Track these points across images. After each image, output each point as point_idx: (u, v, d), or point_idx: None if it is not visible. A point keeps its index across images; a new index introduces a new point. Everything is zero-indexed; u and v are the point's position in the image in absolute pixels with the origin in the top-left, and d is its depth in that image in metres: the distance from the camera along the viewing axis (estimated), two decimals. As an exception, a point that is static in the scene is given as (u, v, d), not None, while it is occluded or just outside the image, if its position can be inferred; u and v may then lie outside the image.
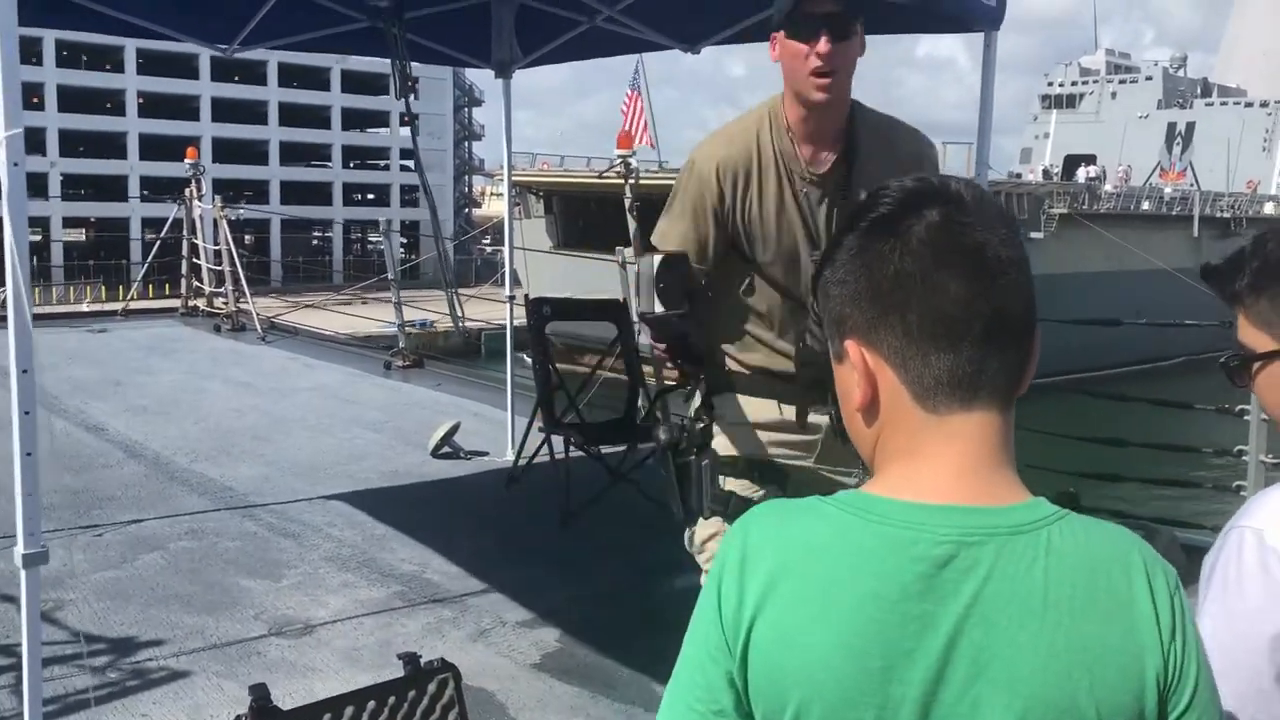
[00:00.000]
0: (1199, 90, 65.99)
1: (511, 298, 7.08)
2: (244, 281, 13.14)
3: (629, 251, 7.40)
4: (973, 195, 1.08)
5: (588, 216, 28.86)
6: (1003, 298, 1.05)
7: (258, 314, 13.04)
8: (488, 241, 47.49)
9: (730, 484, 2.75)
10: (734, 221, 2.63)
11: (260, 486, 6.60)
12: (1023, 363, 1.08)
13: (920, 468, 1.06)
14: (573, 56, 6.21)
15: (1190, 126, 61.17)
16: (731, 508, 2.70)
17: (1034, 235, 29.41)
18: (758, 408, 2.79)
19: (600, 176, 7.50)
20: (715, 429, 2.76)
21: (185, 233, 13.85)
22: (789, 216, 2.61)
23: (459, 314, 9.51)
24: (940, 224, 1.05)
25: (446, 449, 7.24)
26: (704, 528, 2.78)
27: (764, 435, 2.79)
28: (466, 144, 65.80)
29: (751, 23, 5.04)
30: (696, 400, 2.81)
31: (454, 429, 7.27)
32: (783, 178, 2.60)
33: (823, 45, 2.42)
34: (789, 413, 2.78)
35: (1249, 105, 61.30)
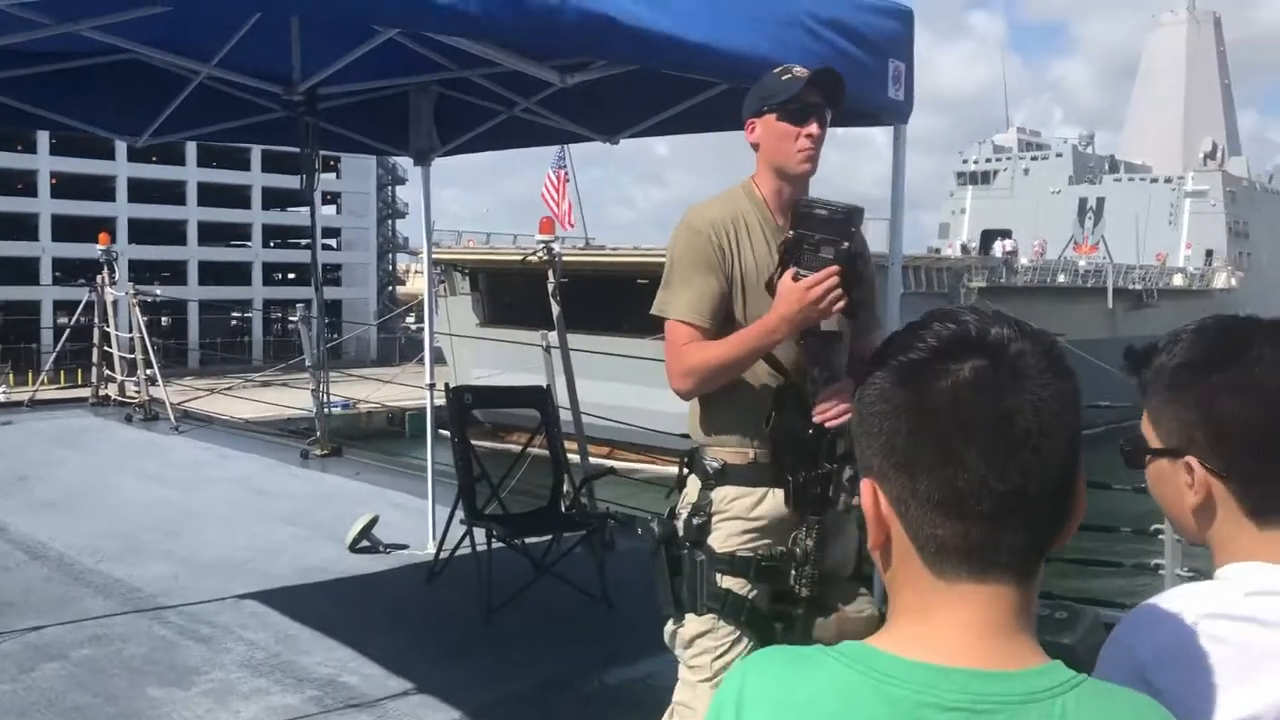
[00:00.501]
0: (1107, 166, 67.98)
1: (431, 385, 6.96)
2: (157, 369, 12.82)
3: (553, 335, 7.34)
4: (1017, 346, 1.01)
5: (514, 293, 28.64)
6: (1022, 476, 0.98)
7: (171, 403, 12.71)
8: (412, 320, 47.24)
9: (726, 581, 2.70)
10: (731, 275, 2.69)
11: (170, 587, 6.35)
12: (1050, 534, 1.02)
13: (930, 628, 1.01)
14: (492, 146, 6.20)
15: (1100, 201, 63.23)
16: (727, 606, 2.68)
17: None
18: (754, 499, 2.73)
19: (524, 261, 7.42)
20: (712, 522, 2.73)
21: (97, 319, 13.52)
22: (768, 280, 2.71)
23: (324, 400, 9.45)
24: (970, 382, 0.99)
25: (365, 542, 7.06)
26: (694, 624, 2.72)
27: (761, 528, 2.73)
28: (390, 222, 65.66)
29: (667, 116, 5.09)
30: (690, 491, 2.77)
31: (373, 522, 7.09)
32: (766, 237, 2.72)
33: (814, 128, 2.70)
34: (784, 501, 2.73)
35: (1154, 181, 63.39)
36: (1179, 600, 1.28)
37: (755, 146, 2.76)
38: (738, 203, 2.75)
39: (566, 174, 32.15)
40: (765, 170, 2.77)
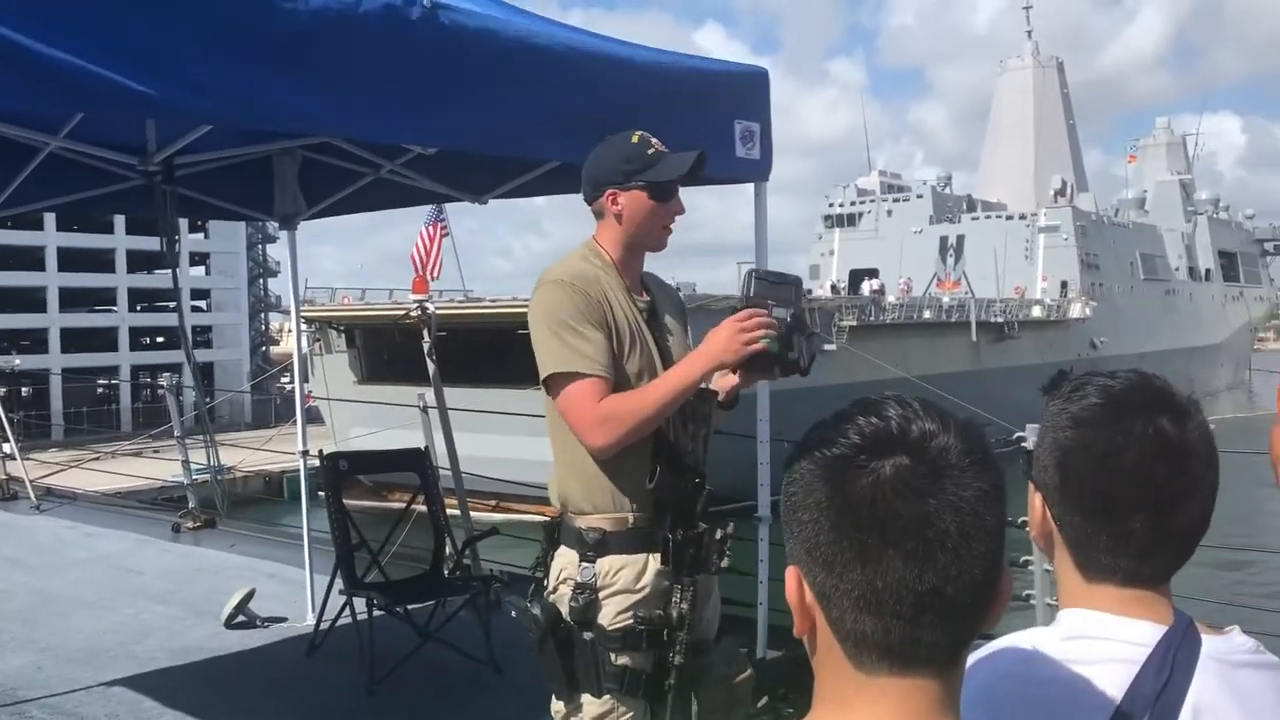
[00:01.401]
0: (965, 205, 68.69)
1: (305, 451, 6.78)
2: (14, 445, 12.22)
3: (429, 394, 7.22)
4: (940, 442, 1.00)
5: (392, 349, 27.85)
6: (940, 578, 0.98)
7: (31, 479, 12.11)
8: (287, 380, 46.09)
9: (621, 658, 2.60)
10: (609, 331, 2.61)
11: (32, 678, 6.01)
12: (972, 627, 1.01)
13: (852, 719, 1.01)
14: (360, 207, 6.09)
15: (960, 239, 63.43)
16: (626, 684, 2.58)
17: (827, 347, 30.47)
18: (637, 568, 2.62)
19: (399, 321, 7.33)
20: (600, 598, 2.61)
21: (-52, 395, 12.84)
22: (640, 333, 2.67)
23: (207, 464, 9.21)
24: (890, 482, 0.98)
25: (241, 618, 6.81)
26: (592, 706, 2.60)
27: (645, 597, 2.62)
28: (262, 281, 64.19)
29: (534, 177, 5.09)
30: (565, 565, 2.64)
31: (249, 595, 6.85)
32: (624, 299, 2.69)
33: (679, 206, 2.72)
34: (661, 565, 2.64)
35: (1009, 218, 63.84)
36: (1006, 642, 1.33)
37: (615, 216, 2.68)
38: (592, 264, 2.69)
39: (445, 228, 31.38)
40: (617, 238, 2.72)
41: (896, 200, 69.36)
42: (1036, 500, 1.40)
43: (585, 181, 2.72)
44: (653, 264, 2.84)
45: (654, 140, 2.67)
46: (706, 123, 4.11)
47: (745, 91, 4.37)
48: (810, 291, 52.75)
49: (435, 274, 29.97)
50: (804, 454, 1.03)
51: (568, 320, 2.53)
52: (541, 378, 2.56)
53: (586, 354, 2.52)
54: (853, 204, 70.25)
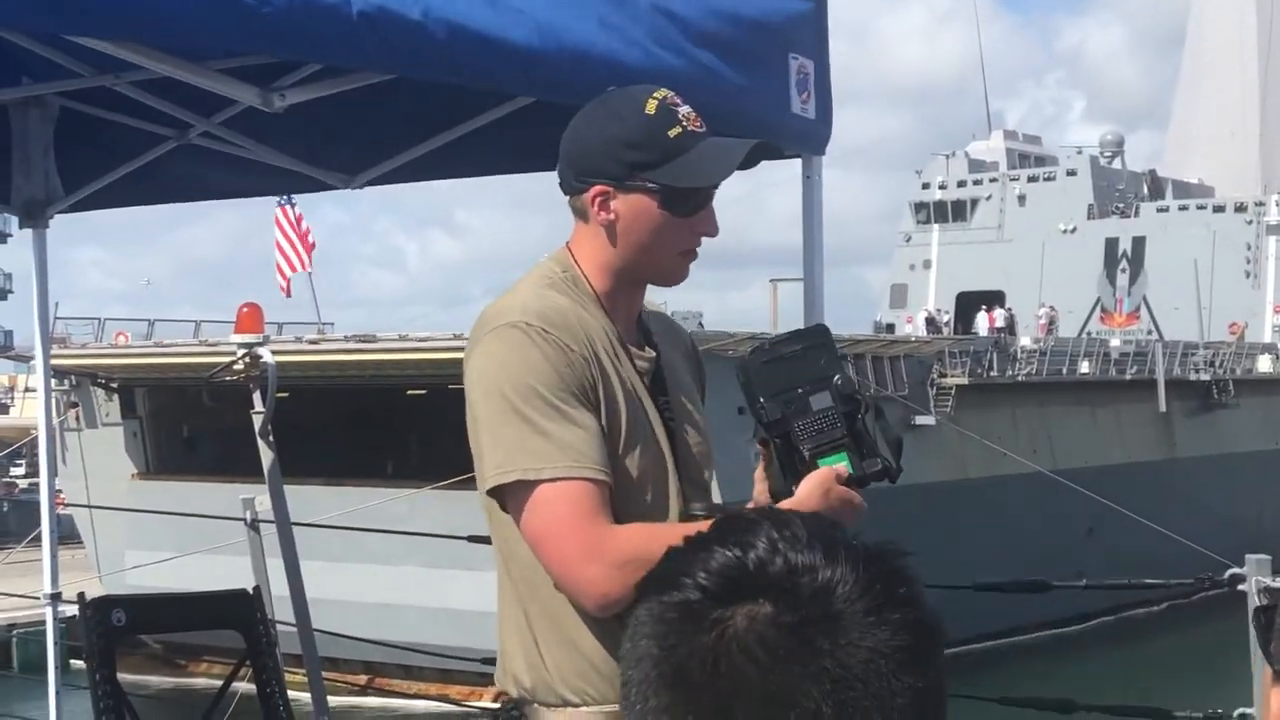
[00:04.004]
0: (1146, 188, 44.86)
1: (54, 596, 4.76)
2: None
3: (262, 501, 5.40)
4: (818, 581, 0.85)
5: (198, 421, 19.75)
6: None
7: None
8: (20, 473, 32.95)
9: None
10: (598, 406, 2.08)
11: None
12: None
13: None
14: (152, 196, 4.55)
15: (1139, 244, 41.72)
16: None
17: (920, 420, 21.25)
18: None
19: (210, 378, 5.48)
20: None
21: None
22: (643, 412, 2.12)
23: None
24: (740, 638, 0.84)
25: None
26: None
27: None
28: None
29: (437, 146, 3.62)
30: None
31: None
32: (620, 361, 2.12)
33: (711, 223, 2.15)
34: None
35: (1219, 210, 41.06)
36: None
37: (604, 226, 2.10)
38: (568, 295, 2.13)
39: (299, 213, 22.72)
40: (605, 260, 2.15)
41: (1034, 179, 44.80)
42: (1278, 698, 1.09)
43: (564, 159, 2.14)
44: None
45: (682, 109, 2.08)
46: (751, 61, 3.10)
47: (794, 10, 3.26)
48: (889, 328, 36.88)
49: (284, 287, 22.32)
50: (641, 598, 0.92)
51: (540, 390, 2.01)
52: (490, 484, 2.00)
53: (574, 447, 1.99)
54: (961, 185, 45.41)
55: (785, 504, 2.05)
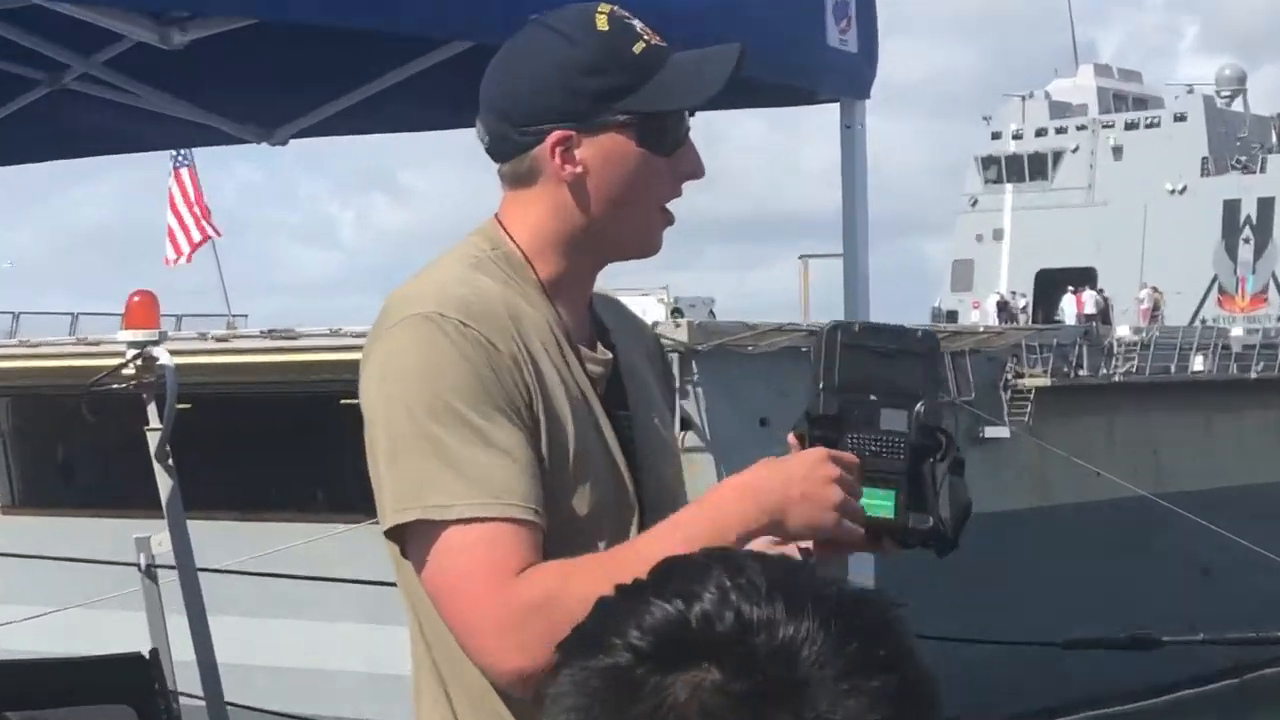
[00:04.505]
0: (1275, 137, 44.60)
1: None
2: None
3: (160, 541, 5.50)
4: (778, 639, 0.86)
5: (76, 441, 19.22)
6: None
7: None
8: None
9: None
10: (535, 418, 2.08)
11: None
12: None
13: None
14: (21, 153, 4.79)
15: (1266, 206, 41.31)
16: None
17: (991, 432, 21.48)
18: None
19: (90, 387, 5.48)
20: None
21: None
22: (595, 428, 2.13)
23: None
24: (680, 710, 0.85)
25: None
26: None
27: None
28: None
29: (370, 94, 3.81)
30: None
31: None
32: (566, 364, 2.12)
33: (694, 161, 2.19)
34: None
35: None
36: None
37: (568, 183, 2.10)
38: (496, 277, 2.14)
39: (194, 172, 22.81)
40: (562, 230, 2.16)
41: (1133, 126, 44.32)
42: None
43: (493, 111, 2.14)
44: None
45: (636, 22, 2.10)
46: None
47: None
48: (951, 315, 38.31)
49: (186, 252, 22.03)
50: (563, 662, 0.94)
51: (452, 402, 2.01)
52: (388, 523, 2.02)
53: (493, 478, 1.98)
54: (1042, 134, 45.28)
55: (741, 477, 2.06)
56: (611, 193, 2.12)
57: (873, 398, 2.06)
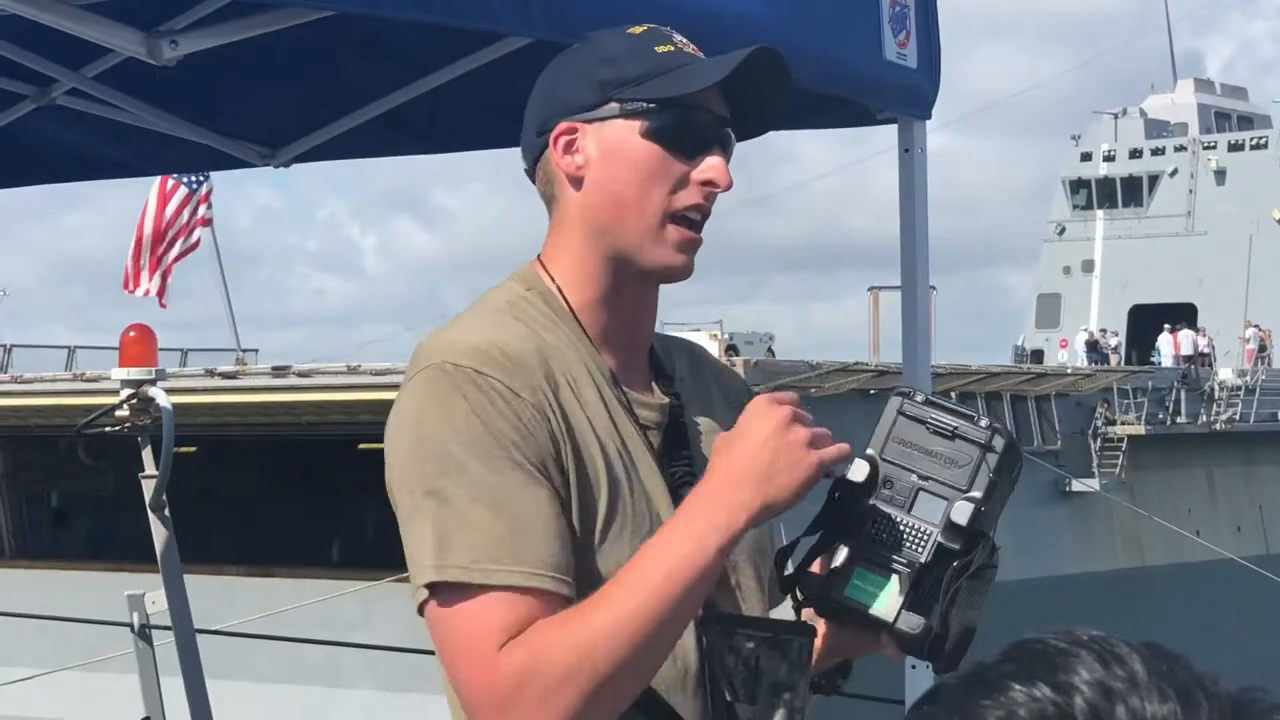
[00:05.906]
0: None
1: None
2: None
3: (154, 599, 5.25)
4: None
5: (71, 487, 18.79)
6: None
7: None
8: None
9: None
10: (567, 479, 2.01)
11: None
12: None
13: None
14: (11, 175, 4.74)
15: None
16: None
17: (1077, 486, 20.39)
18: None
19: (83, 429, 5.27)
20: None
21: None
22: (639, 484, 2.05)
23: None
24: None
25: None
26: None
27: None
28: None
29: (385, 111, 3.73)
30: None
31: None
32: (608, 408, 2.08)
33: (720, 168, 2.08)
34: None
35: None
36: None
37: (570, 181, 2.07)
38: (535, 319, 2.09)
39: (207, 191, 21.12)
40: (583, 248, 2.11)
41: (1238, 147, 42.10)
42: None
43: (527, 123, 2.15)
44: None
45: (677, 36, 2.13)
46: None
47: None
48: (1034, 355, 35.82)
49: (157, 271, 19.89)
50: None
51: (459, 455, 1.96)
52: (416, 582, 1.97)
53: (507, 541, 1.94)
54: (1137, 155, 42.82)
55: (713, 475, 1.97)
56: (612, 185, 2.08)
57: (915, 476, 1.99)
